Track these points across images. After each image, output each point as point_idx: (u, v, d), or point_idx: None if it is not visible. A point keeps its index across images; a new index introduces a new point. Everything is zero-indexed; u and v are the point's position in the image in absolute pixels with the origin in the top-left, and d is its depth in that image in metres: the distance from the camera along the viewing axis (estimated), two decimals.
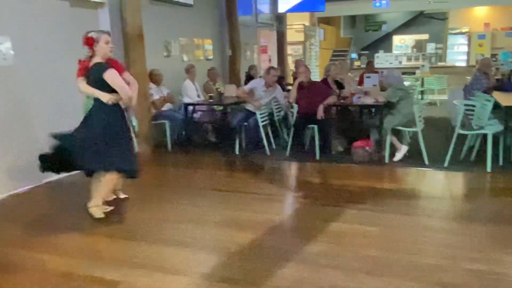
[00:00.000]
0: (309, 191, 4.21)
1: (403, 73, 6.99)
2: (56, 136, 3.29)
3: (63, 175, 4.40)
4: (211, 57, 7.81)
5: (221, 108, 6.13)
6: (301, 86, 5.48)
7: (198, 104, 6.12)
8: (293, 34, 11.87)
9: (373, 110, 5.93)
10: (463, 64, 13.21)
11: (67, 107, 4.59)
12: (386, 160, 4.99)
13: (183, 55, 6.98)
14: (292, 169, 5.14)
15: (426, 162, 4.81)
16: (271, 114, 5.89)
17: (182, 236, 3.11)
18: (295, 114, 5.50)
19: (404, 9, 14.19)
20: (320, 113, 5.21)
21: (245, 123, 5.70)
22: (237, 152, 5.71)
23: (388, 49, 15.60)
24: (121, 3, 5.30)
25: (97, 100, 3.32)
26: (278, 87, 6.01)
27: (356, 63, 13.02)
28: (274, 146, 5.84)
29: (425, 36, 15.58)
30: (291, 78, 8.46)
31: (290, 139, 5.49)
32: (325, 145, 5.28)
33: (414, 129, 5.00)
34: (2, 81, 4.12)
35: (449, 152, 4.70)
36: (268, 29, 10.32)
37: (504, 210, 3.49)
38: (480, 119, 4.63)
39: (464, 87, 6.02)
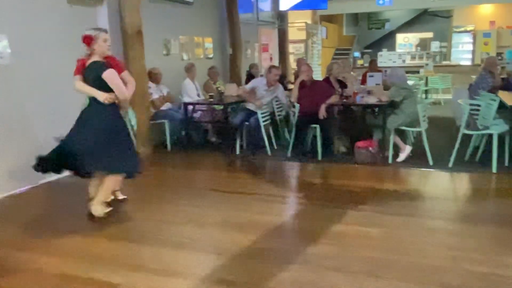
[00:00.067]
0: (310, 192, 4.15)
1: (407, 72, 6.90)
2: (59, 141, 3.30)
3: (62, 175, 4.38)
4: (211, 55, 7.75)
5: (221, 107, 6.06)
6: (302, 85, 5.42)
7: (198, 104, 6.07)
8: (295, 32, 11.79)
9: (376, 109, 5.86)
10: (468, 63, 13.12)
11: (66, 106, 4.52)
12: (390, 160, 4.92)
13: (183, 54, 6.92)
14: (293, 170, 5.08)
15: (430, 162, 4.75)
16: (272, 114, 5.83)
17: (181, 237, 3.09)
18: (296, 114, 5.44)
19: (408, 7, 14.08)
20: (322, 113, 5.14)
21: (246, 123, 5.64)
22: (237, 152, 5.65)
23: (392, 47, 15.52)
24: (120, 1, 5.24)
25: (93, 99, 3.28)
26: (280, 86, 5.94)
27: (359, 62, 12.94)
28: (275, 146, 5.79)
29: (429, 34, 15.48)
30: (293, 76, 8.38)
31: (292, 139, 5.42)
32: (327, 145, 5.22)
33: (418, 129, 4.94)
34: (0, 80, 4.08)
35: (454, 152, 4.64)
36: (269, 27, 10.25)
37: (509, 212, 3.44)
38: (485, 119, 4.57)
39: (469, 86, 5.94)
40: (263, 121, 5.50)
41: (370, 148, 4.98)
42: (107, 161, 3.27)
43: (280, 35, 10.54)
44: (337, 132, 5.52)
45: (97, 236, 3.15)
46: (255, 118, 5.52)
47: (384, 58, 12.47)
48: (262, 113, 5.50)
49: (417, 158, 4.94)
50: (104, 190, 3.41)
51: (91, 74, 3.23)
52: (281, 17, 10.38)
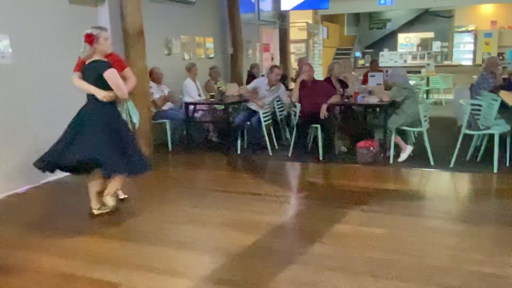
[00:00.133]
0: (312, 192, 4.15)
1: (408, 72, 6.89)
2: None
3: (61, 175, 4.38)
4: (212, 55, 7.74)
5: (222, 107, 6.06)
6: (303, 85, 5.41)
7: (199, 103, 6.06)
8: (296, 32, 11.76)
9: (377, 109, 5.84)
10: (469, 63, 13.07)
11: (66, 106, 4.51)
12: (391, 160, 4.91)
13: (184, 54, 6.92)
14: (294, 170, 5.07)
15: (432, 162, 4.73)
16: (273, 114, 5.82)
17: (182, 237, 3.08)
18: (297, 114, 5.43)
19: (409, 7, 14.06)
20: (323, 113, 5.13)
21: (248, 122, 5.64)
22: (239, 152, 5.65)
23: (393, 47, 15.48)
24: (121, 1, 5.23)
25: (92, 97, 3.27)
26: (282, 86, 5.94)
27: (360, 62, 12.92)
28: (276, 146, 5.78)
29: (430, 34, 15.45)
30: (295, 76, 8.37)
31: (293, 139, 5.42)
32: (329, 145, 5.21)
33: (419, 129, 4.93)
34: (1, 80, 4.07)
35: (455, 152, 4.63)
36: (270, 27, 10.24)
37: (510, 212, 3.43)
38: (486, 119, 4.55)
39: (470, 86, 5.93)
40: (265, 121, 5.50)
41: (371, 148, 4.97)
42: (117, 164, 3.22)
43: (281, 35, 10.52)
44: (338, 132, 5.51)
45: (97, 236, 3.14)
46: (256, 117, 5.52)
47: (385, 58, 12.45)
48: (263, 113, 5.50)
49: (418, 158, 4.93)
50: (114, 184, 3.47)
51: (92, 72, 3.22)
52: (282, 17, 10.36)
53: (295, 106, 5.56)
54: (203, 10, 7.41)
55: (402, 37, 16.08)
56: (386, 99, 5.14)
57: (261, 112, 5.46)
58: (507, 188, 4.09)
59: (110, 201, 3.48)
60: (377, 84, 6.29)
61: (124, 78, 3.43)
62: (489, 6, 13.41)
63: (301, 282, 2.42)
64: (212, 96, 6.01)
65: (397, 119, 4.92)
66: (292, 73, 9.46)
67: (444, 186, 4.33)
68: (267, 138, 5.55)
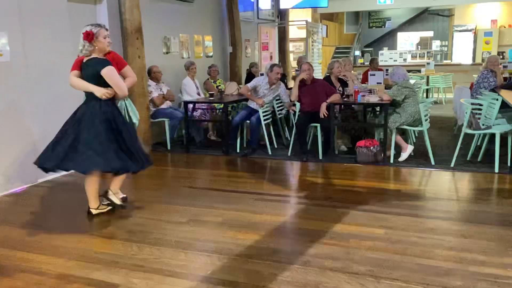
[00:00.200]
0: (311, 191, 4.12)
1: (408, 71, 6.86)
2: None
3: (61, 174, 4.35)
4: (211, 54, 7.70)
5: (221, 106, 6.03)
6: (303, 84, 5.38)
7: (198, 102, 6.03)
8: (295, 30, 11.74)
9: (377, 108, 5.82)
10: (469, 62, 13.06)
11: (65, 104, 4.48)
12: (391, 160, 4.89)
13: (183, 52, 6.88)
14: (294, 169, 5.05)
15: (432, 162, 4.72)
16: (273, 113, 5.79)
17: (181, 237, 3.05)
18: (297, 113, 5.40)
19: (409, 6, 14.03)
20: (323, 112, 5.10)
21: (247, 121, 5.61)
22: (238, 151, 5.62)
23: (393, 46, 15.47)
24: None
25: (90, 95, 3.24)
26: (282, 84, 5.91)
27: (360, 61, 12.89)
28: (276, 145, 5.75)
29: (430, 33, 15.43)
30: (295, 75, 8.34)
31: (292, 138, 5.39)
32: (328, 145, 5.19)
33: (419, 129, 4.90)
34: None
35: (456, 152, 4.61)
36: (269, 26, 10.21)
37: None
38: (487, 118, 4.53)
39: (471, 85, 5.91)
40: (264, 120, 5.47)
41: (372, 148, 4.95)
42: (117, 162, 3.21)
43: (280, 34, 10.49)
44: (338, 131, 5.49)
45: (97, 236, 3.12)
46: (256, 116, 5.49)
47: (385, 57, 12.43)
48: (263, 112, 5.47)
49: (419, 158, 4.92)
50: (117, 181, 3.53)
51: (90, 70, 3.20)
52: (281, 15, 10.33)
53: (294, 105, 5.54)
54: (202, 8, 7.37)
55: (401, 36, 16.07)
56: (386, 98, 5.12)
57: (260, 111, 5.44)
58: (508, 188, 4.07)
59: (116, 200, 3.52)
60: (377, 83, 6.26)
61: (124, 76, 3.41)
62: (489, 5, 13.39)
63: (302, 282, 2.40)
64: (211, 95, 5.98)
65: (397, 118, 4.90)
66: (291, 72, 9.44)
67: (444, 186, 4.31)
68: (266, 137, 5.53)
